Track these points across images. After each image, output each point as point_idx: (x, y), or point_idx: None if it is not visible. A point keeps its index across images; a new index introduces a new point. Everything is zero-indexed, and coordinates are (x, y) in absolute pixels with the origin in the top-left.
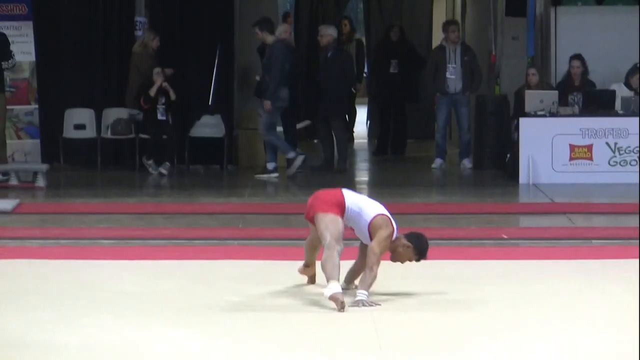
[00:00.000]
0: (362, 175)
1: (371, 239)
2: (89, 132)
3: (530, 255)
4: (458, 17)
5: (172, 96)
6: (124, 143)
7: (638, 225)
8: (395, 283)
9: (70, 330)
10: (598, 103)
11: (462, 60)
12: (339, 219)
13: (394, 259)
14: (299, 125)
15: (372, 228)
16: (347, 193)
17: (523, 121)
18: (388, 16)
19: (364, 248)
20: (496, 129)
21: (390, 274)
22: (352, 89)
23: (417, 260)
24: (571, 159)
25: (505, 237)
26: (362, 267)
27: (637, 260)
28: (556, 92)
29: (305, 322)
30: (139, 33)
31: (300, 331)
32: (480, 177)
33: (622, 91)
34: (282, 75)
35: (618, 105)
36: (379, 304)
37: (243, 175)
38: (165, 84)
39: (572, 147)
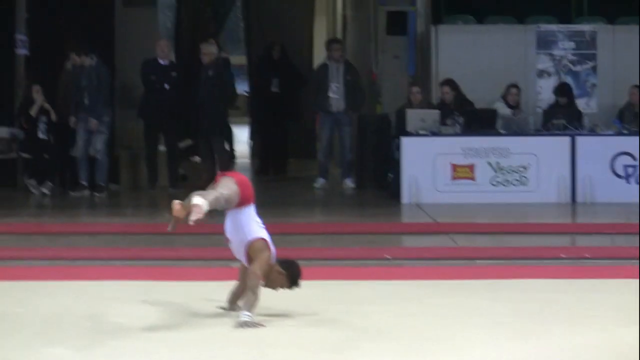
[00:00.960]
0: None
1: (248, 259)
2: None
3: (413, 275)
4: (339, 35)
5: (53, 117)
6: (5, 162)
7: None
8: (278, 303)
9: None
10: (479, 122)
11: (345, 79)
12: (237, 189)
13: (267, 285)
14: (181, 145)
15: (251, 250)
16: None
17: (405, 140)
18: (269, 34)
19: (244, 270)
20: (378, 148)
21: (272, 294)
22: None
23: (290, 287)
24: (453, 178)
25: (388, 257)
26: (243, 289)
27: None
28: (438, 111)
29: (188, 342)
30: (20, 51)
31: (183, 352)
32: (362, 197)
33: (503, 109)
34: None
35: (499, 124)
36: (263, 325)
37: (125, 195)
38: (45, 104)
39: (454, 167)
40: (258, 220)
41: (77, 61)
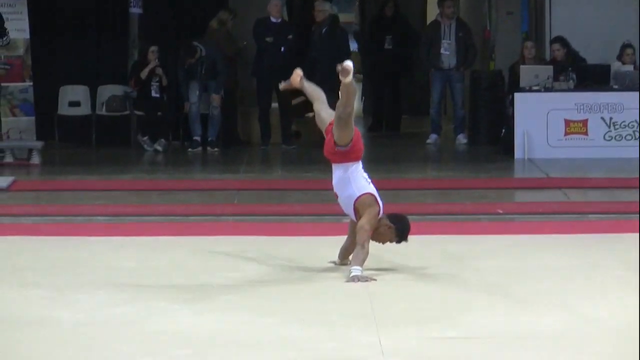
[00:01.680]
0: None
1: (356, 214)
2: (84, 109)
3: (526, 229)
4: None
5: (164, 82)
6: (118, 120)
7: (638, 200)
8: (390, 257)
9: (66, 306)
10: (592, 78)
11: (456, 36)
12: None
13: (375, 238)
14: (294, 102)
15: (359, 205)
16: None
17: (518, 96)
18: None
19: (353, 226)
20: (491, 104)
21: (384, 248)
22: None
23: (398, 242)
24: (566, 134)
25: (501, 212)
26: (353, 244)
27: (637, 234)
28: (551, 67)
29: (300, 295)
30: (133, 9)
31: (296, 305)
32: (475, 153)
33: (620, 67)
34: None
35: (612, 80)
36: (374, 279)
37: (238, 151)
38: (158, 68)
39: (567, 122)
40: (365, 175)
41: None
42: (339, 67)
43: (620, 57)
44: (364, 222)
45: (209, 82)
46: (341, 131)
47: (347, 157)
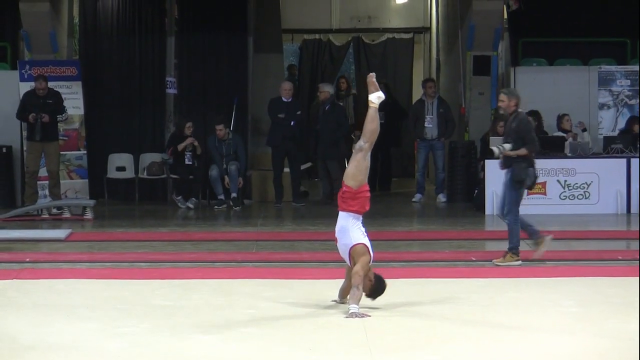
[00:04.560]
0: None
1: (351, 260)
2: (129, 173)
3: (495, 273)
4: (434, 76)
5: (199, 151)
6: (157, 182)
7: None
8: (381, 297)
9: (114, 337)
10: (550, 147)
11: (438, 112)
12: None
13: None
14: (302, 167)
15: (354, 252)
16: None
17: (488, 162)
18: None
19: (349, 270)
20: (466, 169)
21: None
22: (352, 136)
23: (367, 295)
24: (528, 193)
25: (474, 259)
26: (349, 286)
27: (584, 278)
28: None
29: (307, 328)
30: (169, 90)
31: (303, 336)
32: (453, 209)
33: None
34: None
35: (567, 148)
36: (369, 315)
37: (256, 208)
38: (195, 142)
39: None
40: (363, 229)
41: (221, 133)
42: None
43: (559, 125)
44: (358, 268)
45: (231, 162)
46: (356, 167)
47: (352, 204)
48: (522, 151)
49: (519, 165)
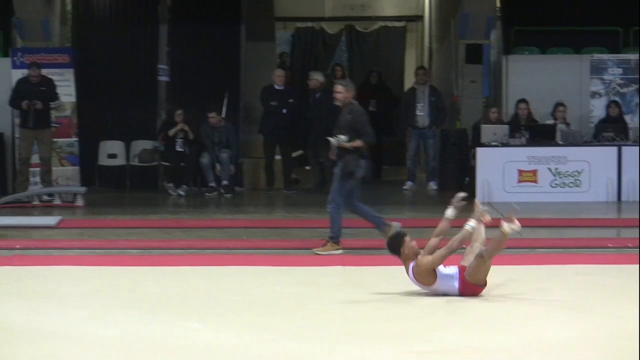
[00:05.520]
0: None
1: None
2: (120, 160)
3: None
4: (426, 64)
5: (191, 136)
6: (148, 169)
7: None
8: (373, 284)
9: (104, 325)
10: (542, 135)
11: (429, 100)
12: None
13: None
14: (294, 154)
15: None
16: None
17: (479, 150)
18: (368, 63)
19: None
20: (457, 157)
21: (373, 277)
22: None
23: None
24: (519, 181)
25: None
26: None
27: (575, 265)
28: (507, 126)
29: (297, 316)
30: (161, 78)
31: (294, 324)
32: (444, 197)
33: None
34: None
35: (558, 136)
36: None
37: (247, 195)
38: (185, 127)
39: (520, 172)
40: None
41: (214, 121)
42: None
43: (553, 114)
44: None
45: (222, 149)
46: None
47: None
48: (358, 143)
49: (351, 157)
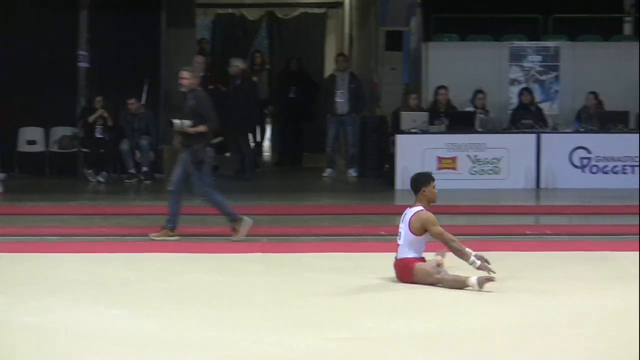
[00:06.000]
0: (266, 182)
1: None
2: (39, 147)
3: None
4: (346, 51)
5: (110, 123)
6: (68, 156)
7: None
8: (293, 271)
9: (22, 312)
10: (461, 122)
11: (349, 87)
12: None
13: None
14: (213, 141)
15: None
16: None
17: (399, 137)
18: (288, 50)
19: None
20: (377, 144)
21: (288, 263)
22: (265, 111)
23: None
24: (439, 168)
25: (384, 233)
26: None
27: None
28: (427, 113)
29: (214, 303)
30: (81, 64)
31: (211, 311)
32: (363, 184)
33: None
34: None
35: (477, 123)
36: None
37: (167, 182)
38: (104, 113)
39: (440, 159)
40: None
41: (133, 107)
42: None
43: (472, 101)
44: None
45: (143, 136)
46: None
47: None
48: (202, 128)
49: (197, 145)
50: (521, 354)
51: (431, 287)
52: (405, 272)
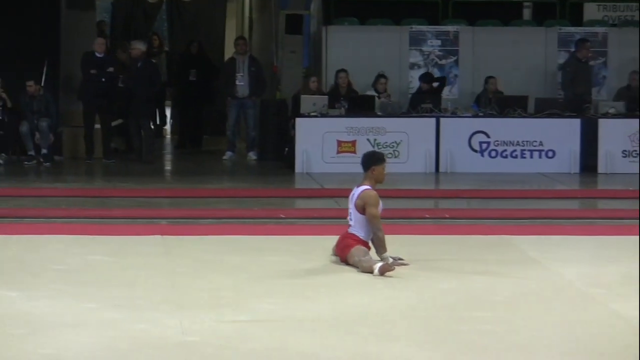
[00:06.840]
0: (167, 165)
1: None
2: None
3: (304, 232)
4: (246, 34)
5: (9, 104)
6: None
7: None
8: (190, 253)
9: None
10: (361, 106)
11: (249, 70)
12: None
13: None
14: (113, 123)
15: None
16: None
17: (299, 121)
18: (188, 32)
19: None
20: (277, 127)
21: (189, 247)
22: (166, 92)
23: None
24: (338, 152)
25: (283, 216)
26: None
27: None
28: (326, 96)
29: (113, 284)
30: None
31: (111, 292)
32: (263, 167)
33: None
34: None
35: (377, 107)
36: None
37: (67, 165)
38: (3, 94)
39: (340, 142)
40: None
41: (32, 89)
42: None
43: (374, 85)
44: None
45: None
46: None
47: None
48: None
49: None
50: (407, 339)
51: (337, 270)
52: (346, 250)
